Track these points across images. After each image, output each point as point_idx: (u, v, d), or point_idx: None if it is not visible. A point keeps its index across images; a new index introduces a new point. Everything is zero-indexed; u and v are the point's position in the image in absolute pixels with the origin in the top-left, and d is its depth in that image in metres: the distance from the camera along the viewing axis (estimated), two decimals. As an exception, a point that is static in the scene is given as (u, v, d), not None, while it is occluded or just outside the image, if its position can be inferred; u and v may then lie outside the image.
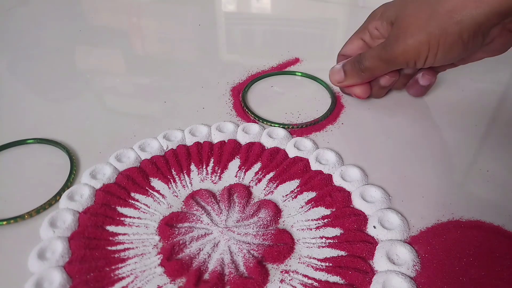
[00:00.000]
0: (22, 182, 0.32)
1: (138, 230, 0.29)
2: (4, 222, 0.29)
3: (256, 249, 0.27)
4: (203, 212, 0.29)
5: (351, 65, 0.37)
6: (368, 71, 0.36)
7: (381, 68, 0.35)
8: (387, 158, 0.34)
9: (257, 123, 0.37)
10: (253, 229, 0.28)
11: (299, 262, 0.27)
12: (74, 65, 0.48)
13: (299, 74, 0.44)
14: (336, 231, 0.28)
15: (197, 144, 0.35)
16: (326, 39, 0.53)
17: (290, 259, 0.27)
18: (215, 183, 0.32)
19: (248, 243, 0.28)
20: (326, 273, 0.26)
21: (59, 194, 0.30)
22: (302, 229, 0.29)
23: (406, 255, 0.27)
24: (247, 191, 0.31)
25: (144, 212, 0.30)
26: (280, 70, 0.45)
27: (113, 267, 0.26)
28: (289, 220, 0.29)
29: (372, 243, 0.27)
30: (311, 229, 0.29)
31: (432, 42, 0.31)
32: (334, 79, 0.38)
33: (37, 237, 0.28)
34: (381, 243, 0.27)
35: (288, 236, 0.28)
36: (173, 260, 0.26)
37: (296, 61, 0.47)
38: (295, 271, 0.26)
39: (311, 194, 0.31)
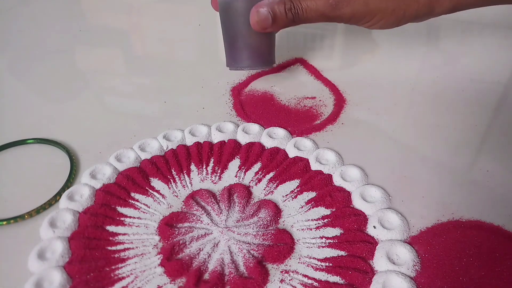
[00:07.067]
0: (22, 182, 0.32)
1: (138, 230, 0.29)
2: (4, 222, 0.29)
3: (256, 249, 0.27)
4: (203, 212, 0.29)
5: (282, 12, 0.33)
6: (302, 22, 0.33)
7: (318, 20, 0.33)
8: (387, 158, 0.34)
9: (257, 123, 0.37)
10: (253, 229, 0.28)
11: (299, 262, 0.27)
12: (74, 65, 0.48)
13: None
14: (336, 231, 0.28)
15: (197, 144, 0.35)
16: (326, 39, 0.53)
17: (290, 259, 0.27)
18: (215, 183, 0.32)
19: (248, 243, 0.28)
20: (326, 273, 0.26)
21: (59, 194, 0.30)
22: (302, 229, 0.29)
23: (406, 255, 0.27)
24: (247, 191, 0.31)
25: (144, 212, 0.30)
26: (280, 70, 0.45)
27: (113, 267, 0.26)
28: (289, 220, 0.29)
29: (372, 243, 0.27)
30: (311, 229, 0.29)
31: (387, 13, 0.32)
32: (261, 26, 0.34)
33: (37, 237, 0.28)
34: (381, 243, 0.27)
35: (288, 236, 0.28)
36: (173, 260, 0.26)
37: (296, 61, 0.47)
38: (295, 271, 0.26)
39: (311, 194, 0.31)
